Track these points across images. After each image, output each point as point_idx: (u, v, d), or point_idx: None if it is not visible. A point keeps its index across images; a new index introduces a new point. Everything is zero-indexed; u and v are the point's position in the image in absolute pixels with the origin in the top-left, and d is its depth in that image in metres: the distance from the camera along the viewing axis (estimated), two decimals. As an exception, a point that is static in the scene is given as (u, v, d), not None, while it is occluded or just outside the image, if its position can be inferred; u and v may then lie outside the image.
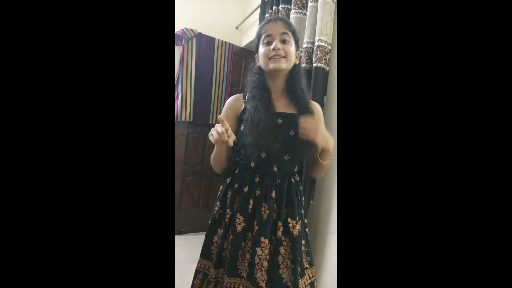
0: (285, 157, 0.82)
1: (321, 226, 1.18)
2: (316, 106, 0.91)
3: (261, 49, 0.84)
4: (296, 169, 0.87)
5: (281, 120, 0.82)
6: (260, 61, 0.85)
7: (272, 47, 0.80)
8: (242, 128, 0.83)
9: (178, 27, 2.05)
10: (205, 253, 0.88)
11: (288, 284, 0.79)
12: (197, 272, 0.90)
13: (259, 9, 1.74)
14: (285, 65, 0.81)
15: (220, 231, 0.85)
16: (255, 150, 0.80)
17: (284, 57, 0.80)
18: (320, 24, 1.14)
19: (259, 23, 1.69)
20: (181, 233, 2.19)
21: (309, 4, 1.22)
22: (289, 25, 0.84)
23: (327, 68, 1.16)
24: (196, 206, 2.27)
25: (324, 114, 1.22)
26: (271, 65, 0.80)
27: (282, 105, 0.84)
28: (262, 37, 0.84)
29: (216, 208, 0.88)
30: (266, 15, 1.60)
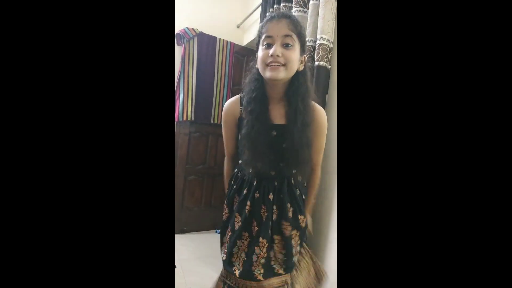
0: (280, 164, 0.81)
1: (322, 225, 1.18)
2: (319, 114, 0.83)
3: (260, 52, 0.74)
4: (294, 171, 0.85)
5: (275, 133, 0.79)
6: (258, 65, 0.76)
7: (270, 52, 0.70)
8: (239, 136, 0.82)
9: (180, 26, 2.05)
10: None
11: (279, 272, 0.82)
12: None
13: (260, 7, 1.73)
14: (284, 74, 0.72)
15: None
16: (250, 167, 0.80)
17: (283, 65, 0.71)
18: (322, 22, 1.13)
19: (260, 21, 1.68)
20: (183, 232, 2.19)
21: (311, 2, 1.21)
22: (294, 25, 0.72)
23: (329, 67, 1.16)
24: (198, 205, 2.27)
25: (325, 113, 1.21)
26: (268, 74, 0.72)
27: (279, 115, 0.79)
28: (262, 37, 0.74)
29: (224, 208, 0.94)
30: (267, 14, 1.59)
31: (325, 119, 0.84)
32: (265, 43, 0.73)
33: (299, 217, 0.84)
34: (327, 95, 1.20)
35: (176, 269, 1.04)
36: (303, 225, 0.84)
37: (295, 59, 0.73)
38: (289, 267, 0.83)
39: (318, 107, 0.84)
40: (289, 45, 0.72)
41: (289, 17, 0.74)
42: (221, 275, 0.88)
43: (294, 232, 0.83)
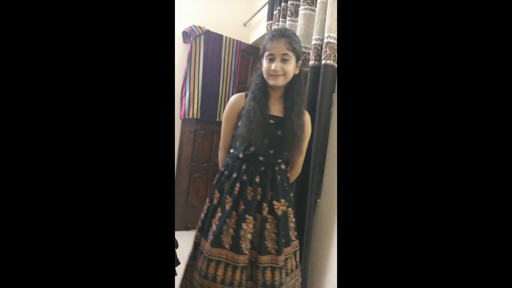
0: (270, 151, 0.96)
1: (327, 225, 1.17)
2: (305, 114, 1.00)
3: (264, 64, 0.95)
4: (279, 160, 0.99)
5: (273, 121, 0.95)
6: (263, 72, 0.95)
7: (272, 68, 0.92)
8: (239, 123, 0.96)
9: (187, 24, 2.05)
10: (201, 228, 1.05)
11: (271, 251, 0.95)
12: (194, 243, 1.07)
13: (267, 6, 1.73)
14: (283, 81, 0.94)
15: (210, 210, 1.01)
16: (246, 142, 0.93)
17: (282, 75, 0.92)
18: (330, 20, 1.12)
19: (267, 20, 1.68)
20: (187, 229, 2.21)
21: (319, 0, 1.20)
22: (290, 43, 0.92)
23: (336, 65, 1.15)
24: (202, 203, 2.27)
25: (331, 112, 1.20)
26: (270, 82, 0.94)
27: (277, 109, 0.98)
28: (266, 54, 0.94)
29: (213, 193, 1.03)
30: (274, 12, 1.58)
31: (309, 120, 1.03)
32: (268, 58, 0.94)
33: (279, 201, 0.96)
34: (334, 94, 1.19)
35: (178, 266, 1.05)
36: (278, 212, 0.96)
37: (291, 69, 0.94)
38: (280, 248, 0.94)
39: (304, 109, 1.02)
40: (286, 60, 0.93)
41: (287, 36, 0.93)
42: (205, 255, 0.94)
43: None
